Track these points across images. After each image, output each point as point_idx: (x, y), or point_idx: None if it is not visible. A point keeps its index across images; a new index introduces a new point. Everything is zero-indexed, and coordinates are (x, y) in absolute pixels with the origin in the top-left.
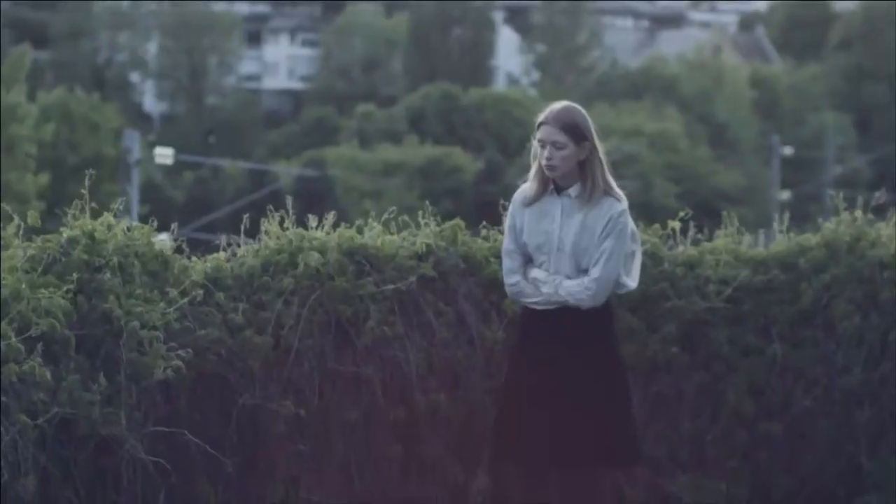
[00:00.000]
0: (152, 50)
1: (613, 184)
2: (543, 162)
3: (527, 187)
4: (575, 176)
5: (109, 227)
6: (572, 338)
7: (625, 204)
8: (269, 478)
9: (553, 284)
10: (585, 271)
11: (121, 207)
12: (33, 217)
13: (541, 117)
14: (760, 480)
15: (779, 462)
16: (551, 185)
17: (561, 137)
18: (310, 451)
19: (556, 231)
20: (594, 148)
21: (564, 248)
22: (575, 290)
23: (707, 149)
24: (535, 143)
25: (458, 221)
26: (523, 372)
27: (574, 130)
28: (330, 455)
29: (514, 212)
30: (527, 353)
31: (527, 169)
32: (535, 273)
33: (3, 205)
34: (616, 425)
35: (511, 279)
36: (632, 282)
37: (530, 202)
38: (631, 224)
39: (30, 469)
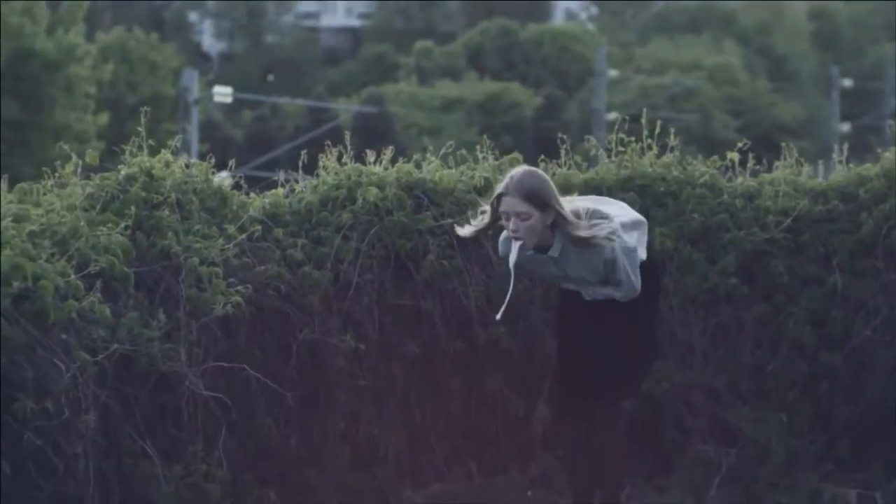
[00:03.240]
0: None
1: (590, 224)
2: (510, 234)
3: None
4: (549, 236)
5: (167, 165)
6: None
7: (614, 226)
8: (329, 412)
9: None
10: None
11: (178, 145)
12: (91, 156)
13: (500, 188)
14: (821, 411)
15: (839, 392)
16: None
17: (524, 208)
18: (370, 385)
19: (558, 272)
20: (560, 210)
21: (572, 277)
22: (607, 292)
23: (766, 82)
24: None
25: (515, 155)
26: (567, 315)
27: (536, 199)
28: (390, 389)
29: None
30: (568, 305)
31: (585, 104)
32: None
33: (62, 144)
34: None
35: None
36: (636, 279)
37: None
38: (622, 224)
39: (90, 406)
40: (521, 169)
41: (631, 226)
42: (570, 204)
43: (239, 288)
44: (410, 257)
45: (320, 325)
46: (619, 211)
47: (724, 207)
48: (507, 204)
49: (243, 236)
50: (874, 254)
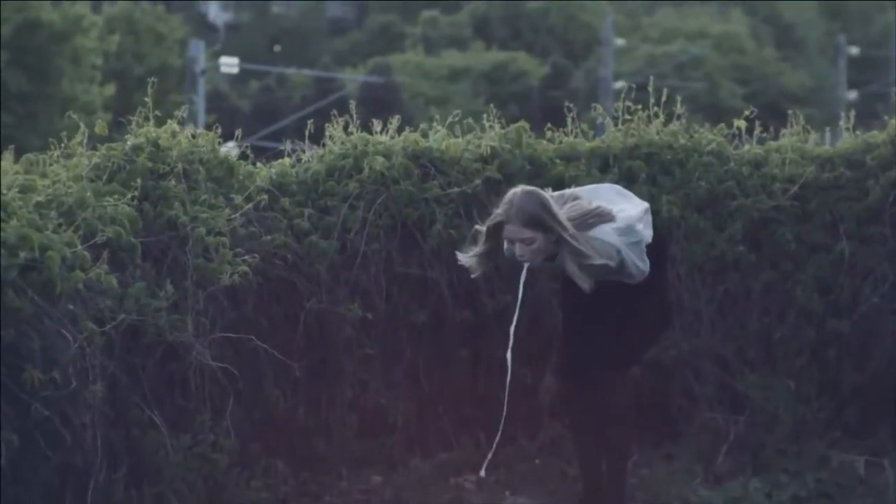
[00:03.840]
0: None
1: (588, 238)
2: (518, 257)
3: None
4: (553, 247)
5: (174, 135)
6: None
7: (613, 242)
8: (337, 381)
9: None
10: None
11: (185, 116)
12: (101, 126)
13: (500, 214)
14: (828, 378)
15: (847, 359)
16: None
17: (528, 234)
18: (377, 355)
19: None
20: (562, 232)
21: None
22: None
23: (773, 50)
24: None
25: (522, 124)
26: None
27: (539, 223)
28: (397, 358)
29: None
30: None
31: (592, 72)
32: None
33: (70, 114)
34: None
35: None
36: (644, 264)
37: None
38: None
39: (98, 376)
40: (519, 193)
41: (637, 218)
42: (572, 210)
43: (246, 258)
44: (417, 226)
45: (327, 295)
46: (624, 204)
47: (731, 175)
48: (510, 231)
49: (250, 206)
50: (881, 221)
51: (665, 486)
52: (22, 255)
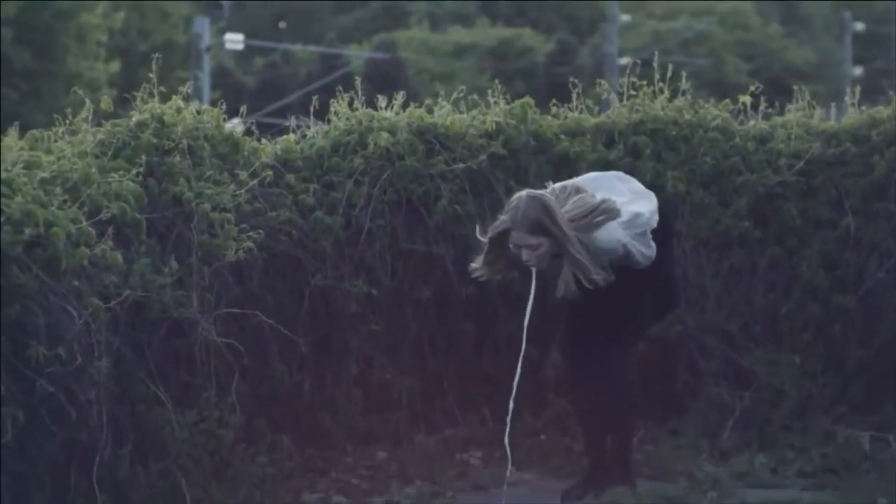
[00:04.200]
0: None
1: (593, 238)
2: (524, 262)
3: None
4: (560, 249)
5: (178, 111)
6: None
7: (618, 237)
8: (342, 357)
9: None
10: None
11: (190, 91)
12: (106, 102)
13: (506, 221)
14: (834, 353)
15: (852, 335)
16: None
17: (533, 241)
18: (383, 331)
19: None
20: (565, 237)
21: None
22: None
23: (778, 26)
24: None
25: (527, 99)
26: None
27: (543, 228)
28: (403, 334)
29: None
30: None
31: (597, 49)
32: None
33: (76, 90)
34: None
35: None
36: (650, 251)
37: None
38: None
39: (103, 352)
40: (524, 198)
41: (645, 203)
42: (576, 207)
43: (251, 234)
44: (422, 202)
45: (332, 271)
46: (628, 193)
47: (737, 150)
48: (517, 238)
49: (255, 182)
50: (886, 196)
51: (670, 461)
52: (27, 231)
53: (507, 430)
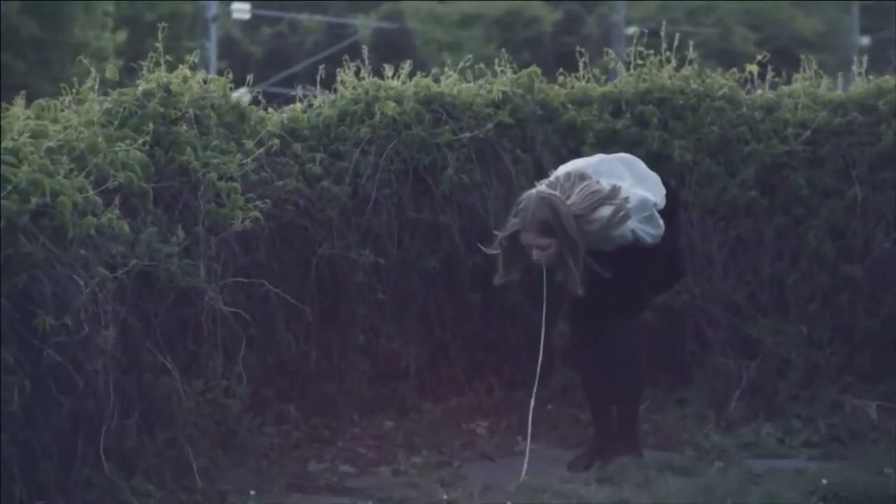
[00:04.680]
0: None
1: (591, 219)
2: (535, 261)
3: None
4: None
5: (185, 80)
6: None
7: (625, 229)
8: (349, 327)
9: None
10: None
11: (196, 61)
12: (111, 71)
13: (517, 223)
14: (841, 323)
15: (859, 304)
16: None
17: (544, 241)
18: (389, 300)
19: None
20: (568, 241)
21: None
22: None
23: None
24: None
25: (534, 68)
26: None
27: (552, 229)
28: (410, 303)
29: None
30: None
31: (604, 18)
32: None
33: (82, 59)
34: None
35: None
36: (658, 230)
37: None
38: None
39: (110, 321)
40: (533, 199)
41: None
42: (581, 197)
43: (258, 203)
44: (429, 171)
45: (339, 240)
46: (632, 178)
47: (744, 120)
48: (528, 239)
49: (261, 151)
50: (893, 166)
51: (677, 431)
52: (33, 200)
53: (531, 407)
